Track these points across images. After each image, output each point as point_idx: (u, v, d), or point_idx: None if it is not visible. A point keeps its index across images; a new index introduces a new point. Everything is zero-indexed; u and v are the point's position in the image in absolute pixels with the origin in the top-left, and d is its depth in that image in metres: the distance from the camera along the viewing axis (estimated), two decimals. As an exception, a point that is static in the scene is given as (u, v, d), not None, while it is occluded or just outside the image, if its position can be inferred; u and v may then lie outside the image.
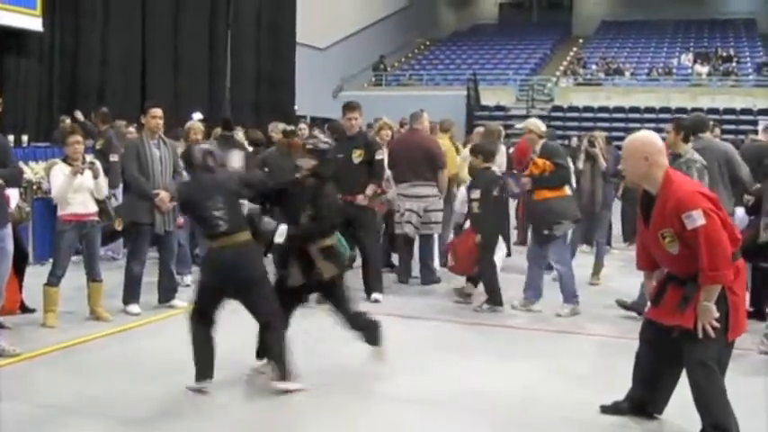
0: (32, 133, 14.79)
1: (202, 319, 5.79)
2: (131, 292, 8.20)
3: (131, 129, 11.35)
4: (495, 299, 8.63)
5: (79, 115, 13.99)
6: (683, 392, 5.07)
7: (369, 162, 9.02)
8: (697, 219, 4.63)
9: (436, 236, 10.20)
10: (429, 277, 9.95)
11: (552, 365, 6.71)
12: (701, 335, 4.73)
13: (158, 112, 8.30)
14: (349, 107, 9.23)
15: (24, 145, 13.71)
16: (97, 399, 5.67)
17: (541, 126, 8.81)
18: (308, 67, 26.90)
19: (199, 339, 5.77)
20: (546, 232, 8.46)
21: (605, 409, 5.51)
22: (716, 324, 4.70)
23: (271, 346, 5.85)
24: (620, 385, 5.49)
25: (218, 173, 6.11)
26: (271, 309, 5.82)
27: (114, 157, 10.35)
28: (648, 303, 5.40)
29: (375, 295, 8.94)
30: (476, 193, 8.73)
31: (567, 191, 8.60)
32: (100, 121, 12.07)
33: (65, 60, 16.87)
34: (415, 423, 5.39)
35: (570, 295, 8.56)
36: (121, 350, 6.97)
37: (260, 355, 6.23)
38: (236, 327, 6.03)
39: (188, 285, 9.45)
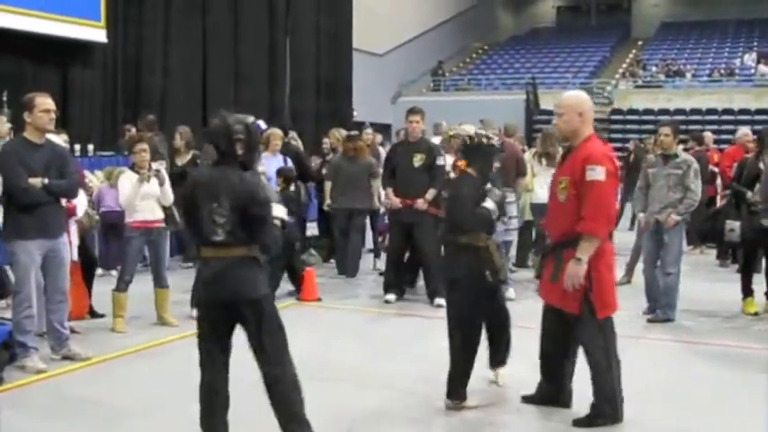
0: (98, 142, 15.05)
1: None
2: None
3: (176, 136, 11.45)
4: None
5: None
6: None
7: (430, 167, 9.05)
8: (599, 174, 4.98)
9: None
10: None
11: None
12: (568, 288, 5.02)
13: None
14: (412, 111, 9.28)
15: (90, 154, 13.97)
16: (165, 402, 5.76)
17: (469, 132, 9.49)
18: (366, 73, 26.96)
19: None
20: None
21: (525, 399, 5.70)
22: (579, 283, 4.99)
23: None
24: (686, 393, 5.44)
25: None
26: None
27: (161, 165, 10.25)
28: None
29: (438, 300, 8.93)
30: None
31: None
32: (145, 128, 11.92)
33: (128, 70, 17.12)
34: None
35: None
36: (188, 355, 7.02)
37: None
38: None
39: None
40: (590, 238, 4.97)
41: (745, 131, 12.77)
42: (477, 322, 5.58)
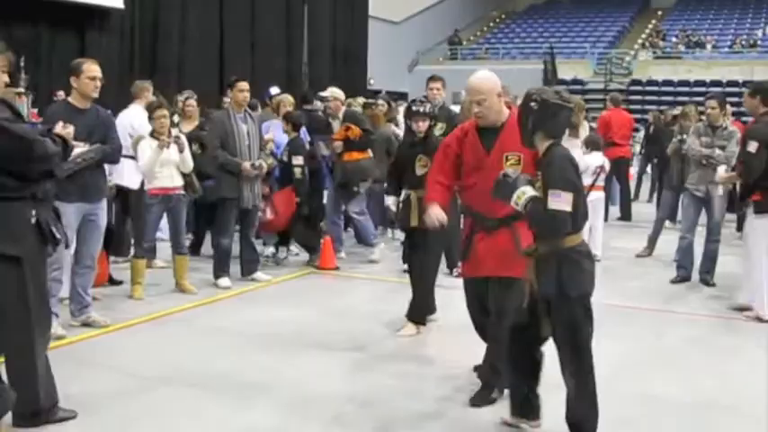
0: (114, 108, 14.99)
1: None
2: (221, 265, 8.29)
3: (192, 102, 10.65)
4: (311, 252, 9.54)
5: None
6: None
7: (450, 135, 8.93)
8: None
9: None
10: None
11: (639, 343, 6.65)
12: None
13: (245, 85, 8.31)
14: (432, 78, 9.20)
15: (107, 120, 13.90)
16: (182, 369, 5.74)
17: (342, 95, 10.09)
18: (383, 41, 26.79)
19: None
20: (355, 189, 9.63)
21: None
22: None
23: None
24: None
25: None
26: None
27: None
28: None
29: (457, 270, 8.87)
30: (299, 160, 9.24)
31: (371, 153, 9.79)
32: (140, 93, 11.38)
33: (145, 37, 17.08)
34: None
35: (369, 240, 9.86)
36: (206, 322, 7.05)
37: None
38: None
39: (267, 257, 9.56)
40: None
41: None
42: None
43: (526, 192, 4.24)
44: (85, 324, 6.63)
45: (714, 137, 8.61)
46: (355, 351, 6.25)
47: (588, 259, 4.29)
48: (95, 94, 6.42)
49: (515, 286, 4.93)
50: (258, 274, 8.56)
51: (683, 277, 8.89)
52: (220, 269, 8.28)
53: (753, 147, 7.25)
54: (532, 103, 4.30)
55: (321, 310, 7.58)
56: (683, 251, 8.99)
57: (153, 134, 7.74)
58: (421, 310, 6.74)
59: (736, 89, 26.44)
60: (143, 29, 17.00)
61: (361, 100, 11.70)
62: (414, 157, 6.73)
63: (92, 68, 6.35)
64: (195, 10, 18.25)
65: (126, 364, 5.87)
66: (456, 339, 6.31)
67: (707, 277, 8.80)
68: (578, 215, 4.22)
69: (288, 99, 10.12)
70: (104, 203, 6.73)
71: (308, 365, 5.90)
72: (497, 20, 39.34)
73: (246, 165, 8.12)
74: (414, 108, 6.82)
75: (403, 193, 6.91)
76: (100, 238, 6.75)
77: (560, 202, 4.11)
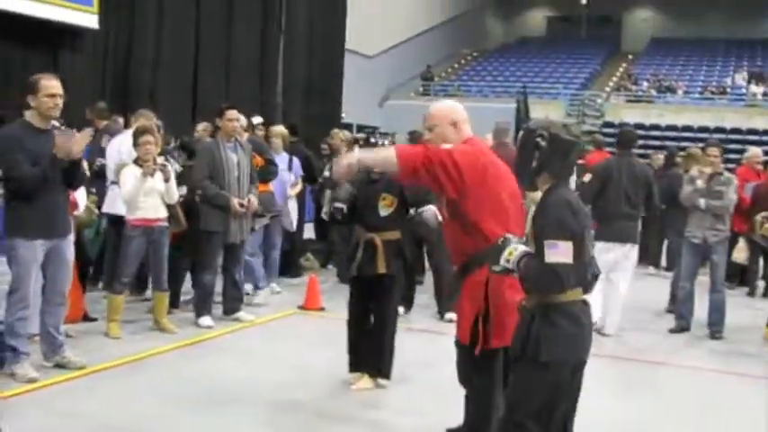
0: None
1: None
2: (203, 303, 7.79)
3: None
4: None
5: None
6: None
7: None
8: None
9: None
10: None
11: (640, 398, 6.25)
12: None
13: (235, 114, 7.89)
14: (429, 114, 8.83)
15: (78, 143, 13.38)
16: (165, 420, 5.28)
17: (243, 121, 8.81)
18: (355, 74, 26.51)
19: None
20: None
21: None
22: None
23: None
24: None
25: None
26: None
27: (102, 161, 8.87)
28: None
29: (449, 315, 8.44)
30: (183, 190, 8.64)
31: (272, 186, 9.02)
32: (96, 117, 10.75)
33: (118, 59, 16.58)
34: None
35: (260, 279, 8.95)
36: (186, 367, 6.55)
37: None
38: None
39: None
40: None
41: (755, 152, 12.52)
42: None
43: (518, 248, 3.63)
44: (59, 365, 6.08)
45: (711, 183, 8.40)
46: (348, 402, 5.82)
47: (569, 320, 3.56)
48: (55, 113, 5.85)
49: (463, 353, 4.39)
50: (241, 314, 8.08)
51: (682, 327, 8.59)
52: (203, 307, 7.78)
53: (586, 177, 8.43)
54: (539, 139, 3.67)
55: (303, 357, 7.06)
56: (682, 300, 8.67)
57: (137, 161, 7.27)
58: (382, 363, 6.11)
59: (706, 135, 26.55)
60: (117, 51, 16.49)
61: (347, 134, 11.31)
62: (374, 196, 6.13)
63: (50, 85, 5.80)
64: (170, 34, 17.78)
65: (104, 412, 5.37)
66: (429, 395, 5.89)
67: (715, 329, 8.48)
68: (581, 267, 3.60)
69: (281, 130, 9.69)
70: (72, 236, 6.18)
71: (286, 425, 5.45)
72: (469, 57, 39.34)
73: (235, 202, 7.68)
74: (372, 141, 6.49)
75: (362, 235, 6.18)
76: (69, 273, 6.18)
77: (558, 253, 3.48)
